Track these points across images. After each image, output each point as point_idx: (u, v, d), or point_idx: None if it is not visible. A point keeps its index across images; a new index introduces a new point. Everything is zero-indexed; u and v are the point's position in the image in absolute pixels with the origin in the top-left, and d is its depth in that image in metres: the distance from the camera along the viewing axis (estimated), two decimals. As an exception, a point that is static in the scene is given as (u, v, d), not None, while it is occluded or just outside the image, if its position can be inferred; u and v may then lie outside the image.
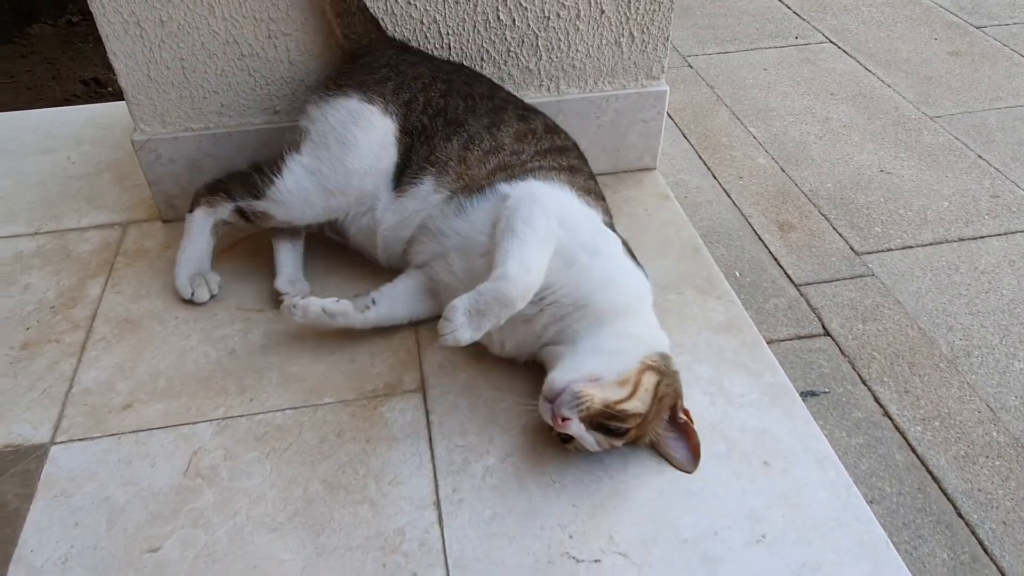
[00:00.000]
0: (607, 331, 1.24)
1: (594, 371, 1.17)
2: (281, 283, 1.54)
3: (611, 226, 1.42)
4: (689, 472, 1.22)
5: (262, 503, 1.19)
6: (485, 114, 1.48)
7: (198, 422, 1.32)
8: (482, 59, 1.70)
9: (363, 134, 1.43)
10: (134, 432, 1.30)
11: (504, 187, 1.36)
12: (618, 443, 1.18)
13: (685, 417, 1.22)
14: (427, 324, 1.47)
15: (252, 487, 1.22)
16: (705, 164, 2.66)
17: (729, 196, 2.50)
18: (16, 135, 2.10)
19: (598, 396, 1.13)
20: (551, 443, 1.25)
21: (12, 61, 3.24)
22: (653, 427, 1.20)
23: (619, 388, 1.15)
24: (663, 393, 1.19)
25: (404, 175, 1.46)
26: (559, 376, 1.18)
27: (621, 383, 1.16)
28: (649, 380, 1.17)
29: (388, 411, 1.34)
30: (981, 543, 1.49)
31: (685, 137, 2.82)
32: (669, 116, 2.91)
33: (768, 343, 1.46)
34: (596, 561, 1.12)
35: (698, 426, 1.23)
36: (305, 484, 1.22)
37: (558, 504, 1.19)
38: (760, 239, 2.30)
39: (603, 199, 1.49)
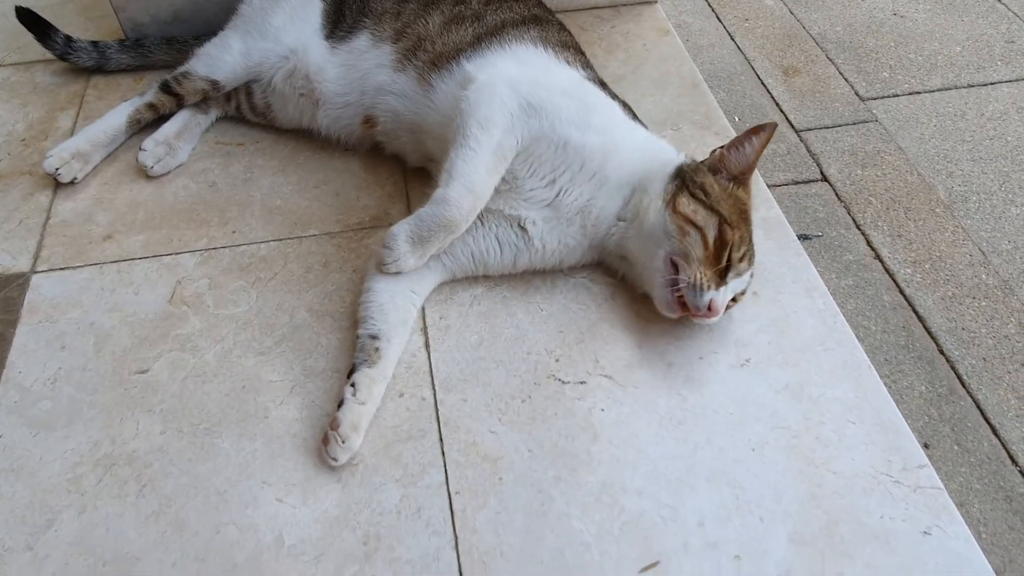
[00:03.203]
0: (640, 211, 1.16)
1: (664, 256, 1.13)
2: (153, 136, 1.42)
3: (596, 80, 1.31)
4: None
5: (248, 329, 1.19)
6: None
7: (181, 252, 1.30)
8: None
9: None
10: (116, 262, 1.28)
11: (469, 67, 1.23)
12: (737, 232, 1.12)
13: (719, 158, 1.21)
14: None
15: (238, 314, 1.21)
16: (709, 5, 2.51)
17: (733, 39, 2.37)
18: (-31, -39, 1.95)
19: (694, 267, 1.09)
20: (538, 275, 1.25)
21: None
22: (729, 194, 1.17)
23: (685, 229, 1.11)
24: (697, 185, 1.15)
25: (339, 27, 1.38)
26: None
27: (680, 223, 1.11)
28: (684, 203, 1.13)
29: (375, 243, 1.31)
30: (959, 377, 1.52)
31: (689, -23, 2.64)
32: (673, -47, 2.72)
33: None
34: (582, 383, 1.13)
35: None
36: (291, 311, 1.21)
37: (545, 330, 1.19)
38: (763, 84, 2.21)
39: (582, 53, 1.38)
